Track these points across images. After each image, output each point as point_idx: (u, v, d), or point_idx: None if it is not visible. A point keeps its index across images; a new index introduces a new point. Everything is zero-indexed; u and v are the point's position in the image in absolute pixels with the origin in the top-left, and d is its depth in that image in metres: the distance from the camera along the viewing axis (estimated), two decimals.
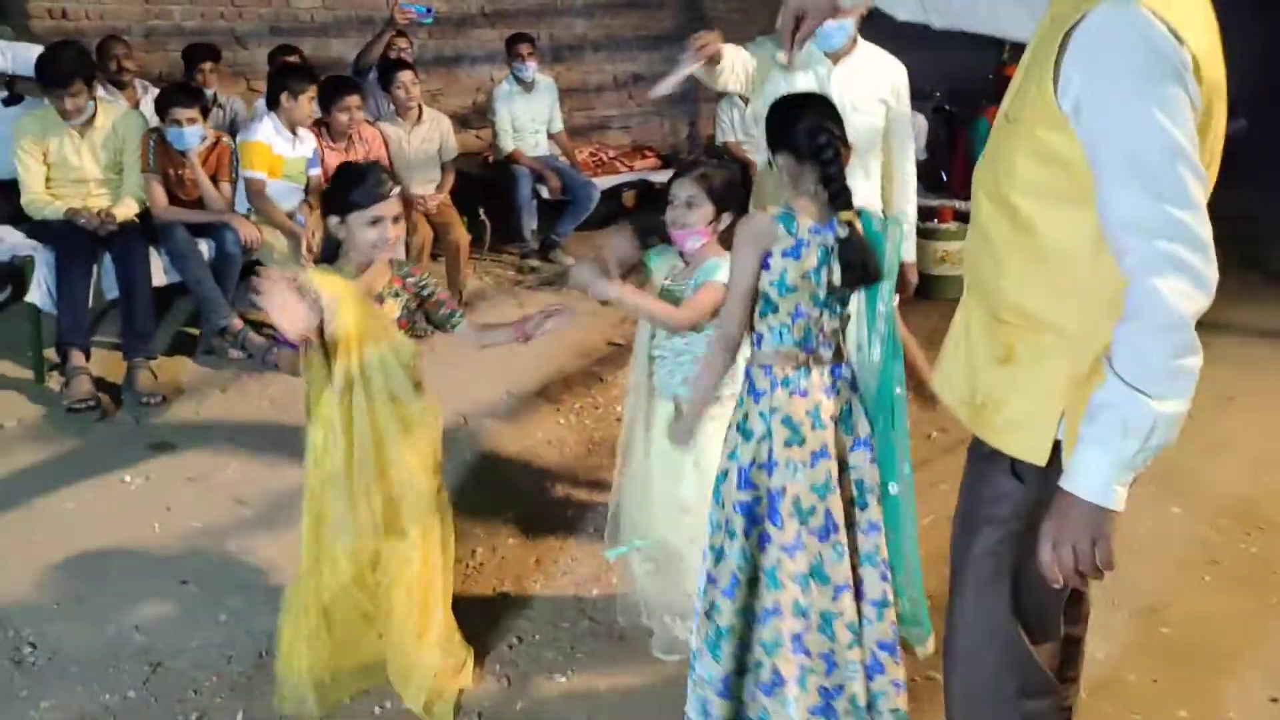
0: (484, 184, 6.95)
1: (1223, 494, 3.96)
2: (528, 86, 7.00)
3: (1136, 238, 1.53)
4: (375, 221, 2.58)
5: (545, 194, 6.91)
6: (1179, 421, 1.56)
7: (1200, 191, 1.53)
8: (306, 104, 5.03)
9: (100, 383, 4.46)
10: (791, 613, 2.33)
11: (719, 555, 2.40)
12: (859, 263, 2.30)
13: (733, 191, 2.72)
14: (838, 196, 2.29)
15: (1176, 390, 1.54)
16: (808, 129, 2.31)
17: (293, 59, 5.91)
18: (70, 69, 4.49)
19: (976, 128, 7.50)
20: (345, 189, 2.61)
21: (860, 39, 3.51)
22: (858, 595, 2.38)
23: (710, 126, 8.56)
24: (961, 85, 9.00)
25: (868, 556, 2.40)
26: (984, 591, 1.90)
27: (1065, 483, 1.63)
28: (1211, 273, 1.53)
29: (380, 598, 2.70)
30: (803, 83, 3.38)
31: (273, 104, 5.05)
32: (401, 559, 2.65)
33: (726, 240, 2.59)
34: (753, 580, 2.38)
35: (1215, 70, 1.61)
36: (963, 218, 6.33)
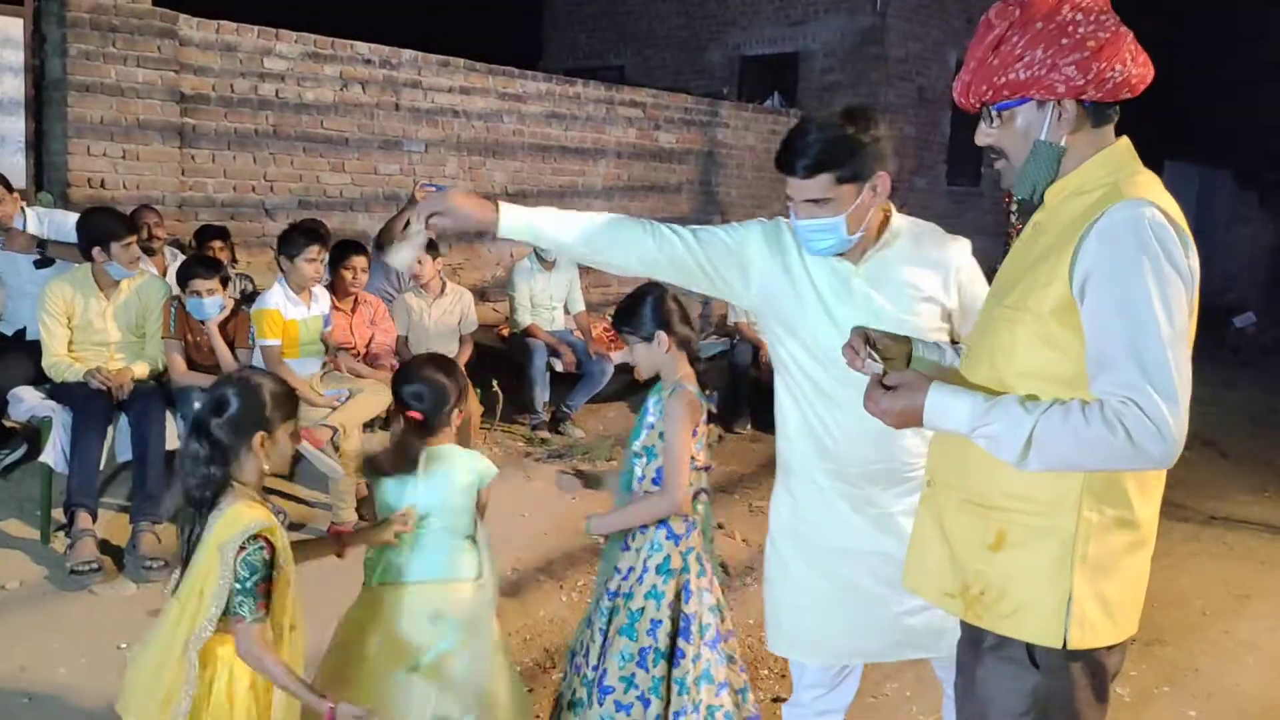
0: (499, 356, 7.06)
1: (1241, 696, 3.84)
2: (548, 265, 7.18)
3: (1119, 402, 1.66)
4: (295, 431, 2.44)
5: (559, 367, 7.01)
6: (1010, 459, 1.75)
7: (1182, 382, 1.67)
8: (305, 265, 5.10)
9: (104, 545, 4.44)
10: (697, 713, 2.76)
11: (630, 682, 2.77)
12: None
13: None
14: (703, 374, 2.88)
15: (1036, 463, 1.71)
16: (680, 315, 2.85)
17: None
18: (123, 222, 4.75)
19: None
20: (278, 402, 2.37)
21: (901, 222, 2.53)
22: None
23: (723, 306, 8.72)
24: None
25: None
26: None
27: (932, 399, 1.81)
28: (1163, 450, 1.65)
29: None
30: (826, 288, 2.49)
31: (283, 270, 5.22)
32: None
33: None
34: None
35: (1195, 258, 1.78)
36: None
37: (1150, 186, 1.79)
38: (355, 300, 5.55)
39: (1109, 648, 1.86)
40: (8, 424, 4.83)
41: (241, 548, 2.21)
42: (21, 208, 5.12)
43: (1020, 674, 1.84)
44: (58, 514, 4.54)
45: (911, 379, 1.88)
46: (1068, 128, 1.86)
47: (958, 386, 1.85)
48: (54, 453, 4.46)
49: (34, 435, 4.71)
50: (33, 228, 5.06)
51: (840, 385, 2.37)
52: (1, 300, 5.18)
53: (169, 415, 4.70)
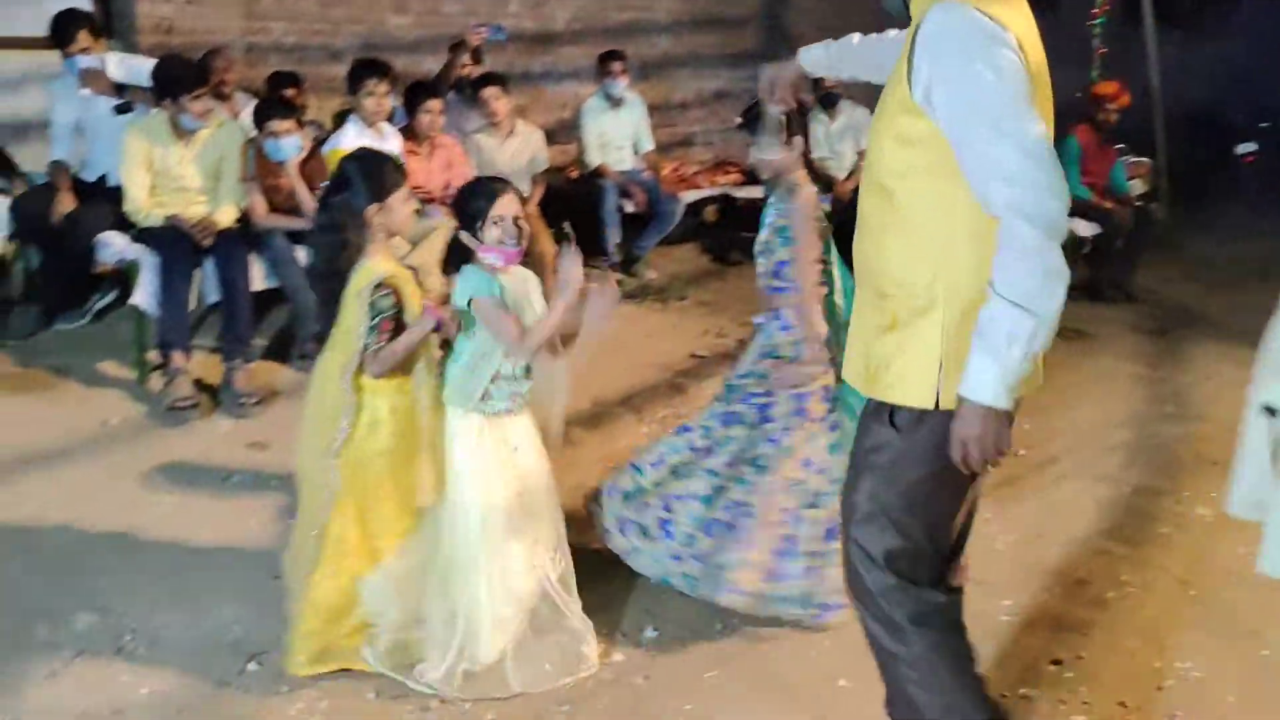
0: (569, 198, 7.02)
1: None
2: (616, 103, 7.07)
3: (997, 183, 1.82)
4: (409, 197, 2.84)
5: (630, 208, 6.96)
6: (1053, 327, 1.85)
7: (1042, 133, 1.83)
8: (367, 100, 5.14)
9: (199, 384, 4.59)
10: None
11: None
12: None
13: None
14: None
15: (1048, 302, 1.82)
16: None
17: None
18: (196, 76, 4.78)
19: (1066, 146, 7.31)
20: (388, 174, 2.81)
21: None
22: None
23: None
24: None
25: None
26: (865, 528, 2.13)
27: (963, 390, 1.89)
28: (1060, 202, 1.82)
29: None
30: None
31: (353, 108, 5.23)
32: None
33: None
34: None
35: (1038, 54, 1.95)
36: None
37: None
38: (432, 144, 5.54)
39: None
40: (98, 269, 4.93)
41: (373, 290, 2.70)
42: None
43: (885, 433, 2.07)
44: (152, 355, 4.69)
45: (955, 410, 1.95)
46: None
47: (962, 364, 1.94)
48: (144, 295, 4.57)
49: (123, 279, 4.83)
50: (112, 71, 5.06)
51: None
52: (83, 150, 5.23)
53: (253, 257, 4.78)
